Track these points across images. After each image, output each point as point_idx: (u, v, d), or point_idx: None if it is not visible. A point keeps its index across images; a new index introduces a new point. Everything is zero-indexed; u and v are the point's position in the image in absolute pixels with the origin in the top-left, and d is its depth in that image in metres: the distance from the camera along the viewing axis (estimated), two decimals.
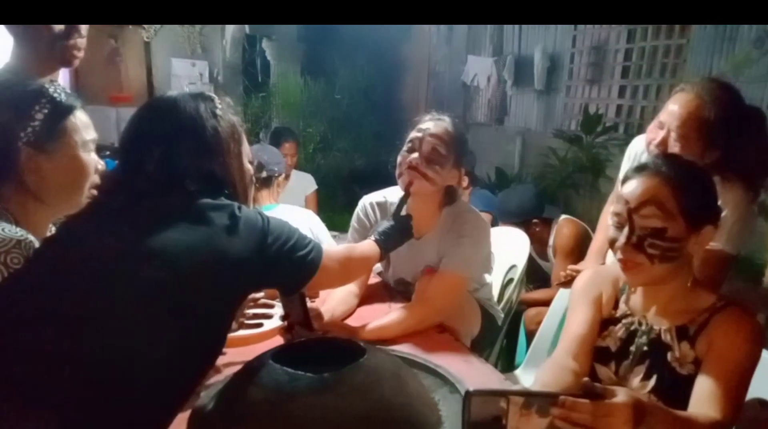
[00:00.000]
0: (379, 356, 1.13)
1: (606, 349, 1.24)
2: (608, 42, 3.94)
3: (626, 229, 1.14)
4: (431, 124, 1.65)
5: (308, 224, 2.37)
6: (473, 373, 1.32)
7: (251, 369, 1.10)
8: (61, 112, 1.15)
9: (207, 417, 1.09)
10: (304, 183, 3.68)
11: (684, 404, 1.09)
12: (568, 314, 1.35)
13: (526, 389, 0.90)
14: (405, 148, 1.66)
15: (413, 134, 1.66)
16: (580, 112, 4.09)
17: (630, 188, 1.17)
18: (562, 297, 2.00)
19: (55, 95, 1.15)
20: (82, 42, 1.57)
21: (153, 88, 5.92)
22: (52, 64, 1.58)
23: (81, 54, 1.59)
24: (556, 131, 4.13)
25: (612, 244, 1.19)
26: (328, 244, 2.46)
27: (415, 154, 1.62)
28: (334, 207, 3.91)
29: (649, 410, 0.92)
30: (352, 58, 5.05)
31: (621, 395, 0.88)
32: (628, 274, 1.18)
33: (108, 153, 1.37)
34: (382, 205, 1.82)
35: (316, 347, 1.21)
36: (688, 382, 1.11)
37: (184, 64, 5.53)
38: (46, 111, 1.13)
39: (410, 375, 1.16)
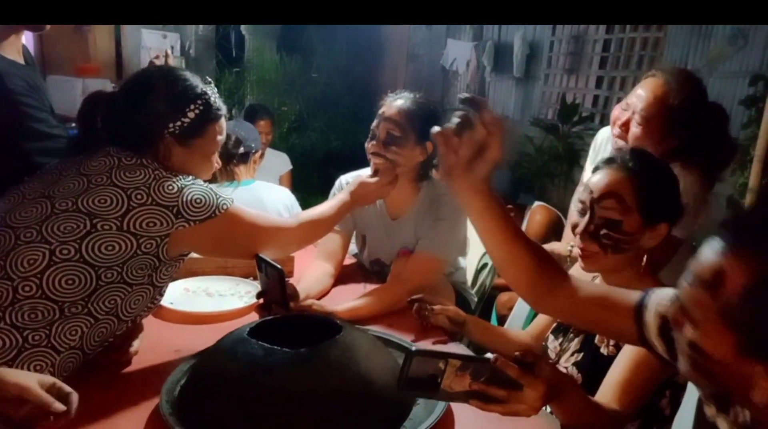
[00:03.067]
0: (355, 334, 1.13)
1: (560, 325, 1.38)
2: (587, 32, 3.97)
3: (587, 217, 1.22)
4: (386, 108, 1.68)
5: (285, 203, 2.34)
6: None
7: (227, 343, 1.09)
8: (211, 116, 1.26)
9: (181, 391, 1.08)
10: (279, 162, 3.63)
11: (600, 381, 1.17)
12: None
13: (464, 354, 0.94)
14: (369, 136, 1.70)
15: (374, 122, 1.70)
16: (558, 101, 4.12)
17: (596, 178, 1.25)
18: None
19: (212, 100, 1.26)
20: None
21: (121, 60, 5.76)
22: (18, 26, 1.52)
23: None
24: (533, 119, 4.15)
25: (573, 228, 1.26)
26: None
27: (374, 142, 1.66)
28: (309, 188, 3.87)
29: (565, 388, 0.96)
30: (330, 36, 4.97)
31: (546, 372, 0.91)
32: (583, 262, 1.27)
33: (74, 125, 1.35)
34: None
35: (292, 324, 1.21)
36: (607, 362, 1.20)
37: (155, 35, 5.37)
38: (198, 111, 1.23)
39: (385, 353, 1.16)
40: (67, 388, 0.91)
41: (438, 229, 1.65)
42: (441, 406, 1.03)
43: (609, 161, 1.26)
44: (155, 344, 1.33)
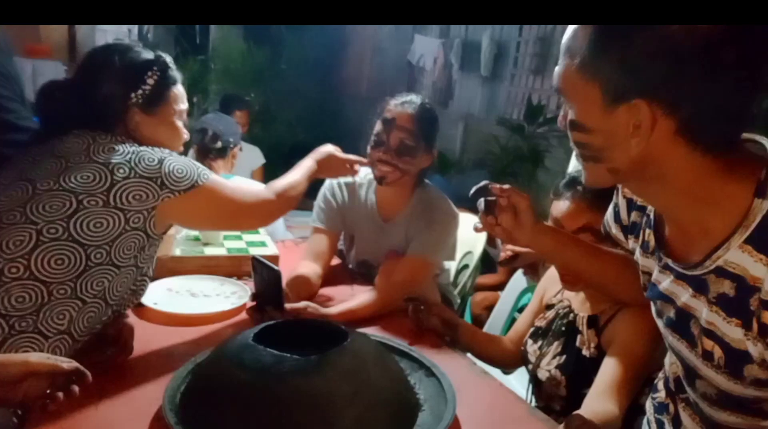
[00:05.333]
0: (361, 339, 1.12)
1: (538, 329, 1.42)
2: (554, 34, 4.04)
3: None
4: (397, 114, 1.60)
5: None
6: (443, 357, 1.34)
7: (231, 349, 1.06)
8: (170, 80, 1.28)
9: (183, 398, 1.05)
10: (252, 156, 3.56)
11: (584, 382, 1.23)
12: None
13: None
14: (372, 141, 1.64)
15: (379, 127, 1.63)
16: (523, 102, 4.18)
17: (562, 211, 1.28)
18: (513, 285, 2.07)
19: (167, 66, 1.28)
20: None
21: (75, 42, 5.52)
22: None
23: None
24: (499, 119, 4.20)
25: None
26: (279, 220, 2.41)
27: (383, 149, 1.61)
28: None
29: None
30: (299, 27, 4.89)
31: None
32: (565, 286, 1.33)
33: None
34: (350, 185, 1.80)
35: (292, 329, 1.19)
36: (590, 364, 1.26)
37: None
38: (157, 77, 1.25)
39: (390, 358, 1.16)
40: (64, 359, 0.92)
41: (431, 233, 1.64)
42: (449, 413, 1.03)
43: (569, 185, 1.29)
44: (144, 347, 1.29)
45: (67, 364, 0.90)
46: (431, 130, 1.65)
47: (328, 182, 1.82)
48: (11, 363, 0.87)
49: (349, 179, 1.79)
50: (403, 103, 1.63)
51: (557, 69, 0.82)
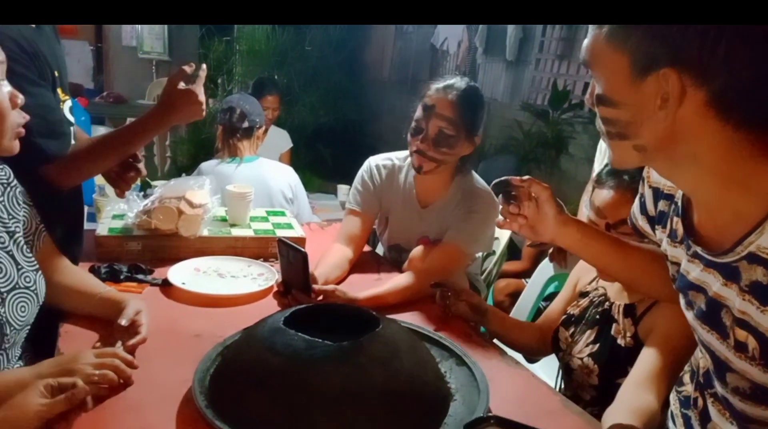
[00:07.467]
0: (393, 327, 1.10)
1: (571, 316, 1.39)
2: None
3: None
4: (437, 101, 1.52)
5: (288, 181, 2.29)
6: (473, 345, 1.32)
7: (263, 333, 1.05)
8: None
9: (212, 380, 1.04)
10: (280, 140, 3.56)
11: (618, 371, 1.21)
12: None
13: None
14: (411, 127, 1.58)
15: (419, 113, 1.56)
16: (548, 87, 4.11)
17: (605, 200, 1.24)
18: (540, 273, 2.04)
19: None
20: None
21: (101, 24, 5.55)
22: None
23: None
24: (523, 104, 4.13)
25: None
26: (305, 202, 2.40)
27: (421, 138, 1.54)
28: (296, 164, 3.81)
29: None
30: None
31: None
32: (603, 277, 1.31)
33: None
34: (389, 168, 1.75)
35: (321, 313, 1.18)
36: (625, 353, 1.23)
37: None
38: None
39: (421, 346, 1.14)
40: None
41: (470, 223, 1.59)
42: (483, 404, 1.01)
43: (612, 174, 1.26)
44: (172, 327, 1.29)
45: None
46: (474, 117, 1.55)
47: (366, 164, 1.78)
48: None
49: (388, 161, 1.75)
50: (445, 88, 1.53)
51: (585, 41, 0.79)
